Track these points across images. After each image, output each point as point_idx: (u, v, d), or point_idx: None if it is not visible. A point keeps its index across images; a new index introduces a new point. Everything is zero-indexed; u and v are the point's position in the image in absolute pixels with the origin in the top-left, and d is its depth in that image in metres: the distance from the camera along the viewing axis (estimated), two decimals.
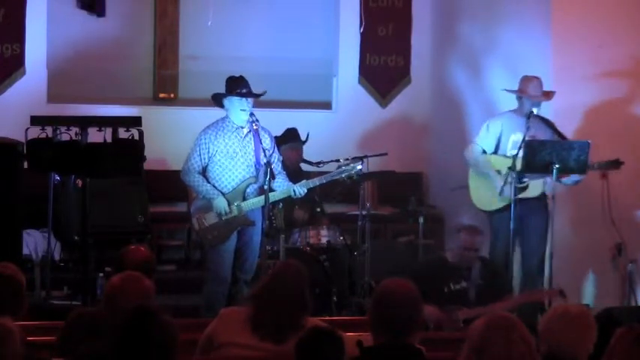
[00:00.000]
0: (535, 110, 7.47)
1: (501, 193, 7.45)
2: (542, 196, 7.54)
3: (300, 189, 7.37)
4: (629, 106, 8.22)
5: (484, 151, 7.72)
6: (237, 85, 7.36)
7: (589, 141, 7.38)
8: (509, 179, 7.37)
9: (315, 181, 7.45)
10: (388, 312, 4.10)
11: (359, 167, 7.58)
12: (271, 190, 7.39)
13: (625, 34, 8.15)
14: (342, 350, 4.05)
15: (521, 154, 7.28)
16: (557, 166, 7.22)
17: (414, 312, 4.14)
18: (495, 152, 7.68)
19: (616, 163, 7.46)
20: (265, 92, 7.50)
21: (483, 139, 7.72)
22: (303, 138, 8.51)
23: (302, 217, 8.25)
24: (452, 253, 7.01)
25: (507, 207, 7.38)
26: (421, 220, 8.36)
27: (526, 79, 7.62)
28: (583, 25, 8.10)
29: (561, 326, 4.09)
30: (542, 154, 7.27)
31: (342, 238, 8.18)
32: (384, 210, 9.15)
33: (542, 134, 7.55)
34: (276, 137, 8.26)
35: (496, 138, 7.67)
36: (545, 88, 7.63)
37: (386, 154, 8.75)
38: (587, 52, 8.09)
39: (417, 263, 8.03)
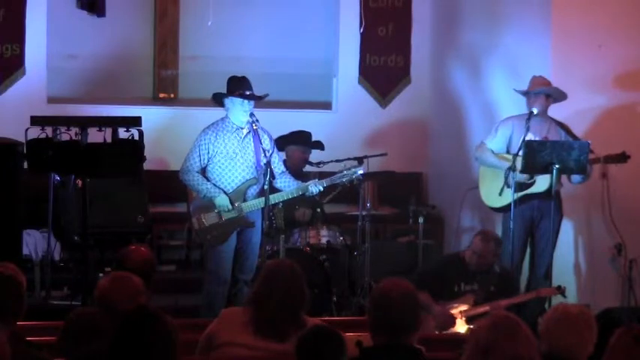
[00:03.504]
0: (535, 110, 7.47)
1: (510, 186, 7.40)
2: (556, 195, 7.43)
3: (316, 187, 7.37)
4: (628, 107, 8.22)
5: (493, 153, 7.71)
6: (240, 86, 7.35)
7: (589, 141, 7.39)
8: (511, 179, 7.38)
9: (324, 183, 7.44)
10: (386, 312, 4.10)
11: (360, 172, 7.57)
12: (276, 190, 7.40)
13: (625, 35, 8.15)
14: (343, 352, 4.05)
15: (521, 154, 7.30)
16: (557, 166, 7.22)
17: (412, 312, 4.15)
18: (507, 153, 7.63)
19: (623, 157, 7.41)
20: (267, 95, 7.50)
21: (492, 141, 7.71)
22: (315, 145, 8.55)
23: (302, 218, 8.25)
24: (468, 255, 7.02)
25: (516, 204, 7.37)
26: (421, 220, 8.36)
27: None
28: (583, 25, 8.10)
29: (561, 327, 4.09)
30: (542, 154, 7.27)
31: (342, 238, 8.18)
32: (384, 210, 9.15)
33: (555, 136, 7.54)
34: (284, 136, 8.29)
35: (506, 139, 7.65)
36: None
37: (386, 154, 8.75)
38: (587, 52, 8.09)
39: (436, 259, 8.06)
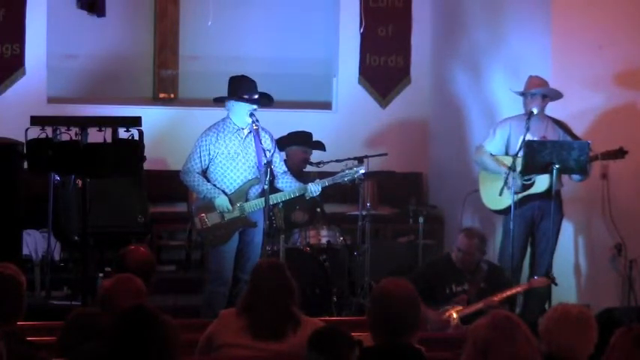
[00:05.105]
0: (535, 110, 7.47)
1: (510, 187, 7.40)
2: (557, 195, 7.44)
3: (316, 187, 7.37)
4: (628, 107, 8.22)
5: (491, 155, 7.69)
6: (244, 89, 7.33)
7: (589, 141, 7.39)
8: (510, 179, 7.37)
9: (325, 182, 7.44)
10: (386, 312, 4.11)
11: (362, 172, 7.57)
12: (278, 190, 7.40)
13: (625, 36, 8.15)
14: (355, 352, 4.05)
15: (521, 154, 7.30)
16: (557, 166, 7.22)
17: (412, 312, 4.15)
18: (506, 154, 7.63)
19: (620, 153, 7.40)
20: (273, 100, 7.52)
21: (490, 143, 7.71)
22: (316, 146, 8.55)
23: (302, 218, 8.25)
24: (455, 254, 7.04)
25: (516, 205, 7.36)
26: (421, 220, 8.36)
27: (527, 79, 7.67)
28: (583, 26, 8.10)
29: (561, 327, 4.09)
30: (542, 154, 7.27)
31: (342, 238, 8.18)
32: (384, 210, 9.15)
33: (553, 134, 7.54)
34: (285, 136, 8.28)
35: (504, 141, 7.65)
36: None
37: (386, 154, 8.75)
38: (587, 53, 8.09)
39: (424, 262, 8.06)
